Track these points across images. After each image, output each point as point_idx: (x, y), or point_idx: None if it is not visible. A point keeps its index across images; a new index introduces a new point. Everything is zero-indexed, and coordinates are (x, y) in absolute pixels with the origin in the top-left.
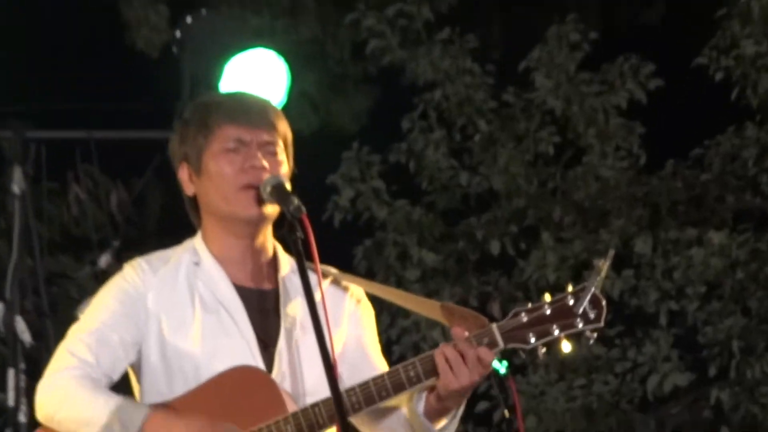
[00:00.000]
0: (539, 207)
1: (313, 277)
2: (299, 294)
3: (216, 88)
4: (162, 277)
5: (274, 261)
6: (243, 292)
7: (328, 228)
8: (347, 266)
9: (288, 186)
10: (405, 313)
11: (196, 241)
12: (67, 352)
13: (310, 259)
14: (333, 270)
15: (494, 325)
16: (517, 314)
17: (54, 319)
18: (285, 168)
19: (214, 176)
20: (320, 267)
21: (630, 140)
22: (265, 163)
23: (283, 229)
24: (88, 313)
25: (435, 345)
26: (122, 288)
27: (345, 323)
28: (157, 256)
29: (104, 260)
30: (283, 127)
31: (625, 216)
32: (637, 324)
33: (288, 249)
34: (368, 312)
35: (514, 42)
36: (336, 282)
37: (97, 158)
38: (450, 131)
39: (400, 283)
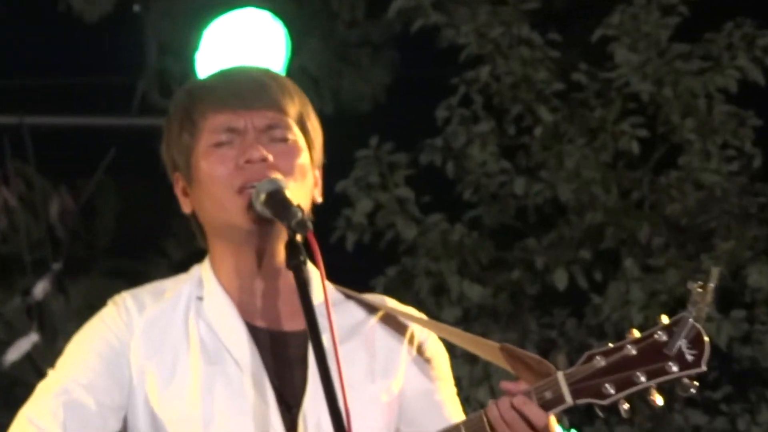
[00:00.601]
0: (620, 224)
1: (350, 310)
2: (337, 336)
3: (190, 60)
4: (151, 316)
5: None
6: (258, 334)
7: (338, 252)
8: None
9: (289, 191)
10: None
11: (203, 269)
12: (27, 420)
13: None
14: (387, 301)
15: (561, 374)
16: (591, 358)
17: None
18: (304, 158)
19: (205, 181)
20: (370, 298)
21: (741, 135)
22: (268, 155)
23: (285, 255)
24: (57, 368)
25: (480, 407)
26: (101, 335)
27: (401, 372)
28: (149, 290)
29: (40, 289)
30: (297, 104)
31: (735, 237)
32: (751, 384)
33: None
34: (440, 355)
35: (586, 3)
36: (390, 318)
37: (32, 152)
38: (501, 122)
39: None
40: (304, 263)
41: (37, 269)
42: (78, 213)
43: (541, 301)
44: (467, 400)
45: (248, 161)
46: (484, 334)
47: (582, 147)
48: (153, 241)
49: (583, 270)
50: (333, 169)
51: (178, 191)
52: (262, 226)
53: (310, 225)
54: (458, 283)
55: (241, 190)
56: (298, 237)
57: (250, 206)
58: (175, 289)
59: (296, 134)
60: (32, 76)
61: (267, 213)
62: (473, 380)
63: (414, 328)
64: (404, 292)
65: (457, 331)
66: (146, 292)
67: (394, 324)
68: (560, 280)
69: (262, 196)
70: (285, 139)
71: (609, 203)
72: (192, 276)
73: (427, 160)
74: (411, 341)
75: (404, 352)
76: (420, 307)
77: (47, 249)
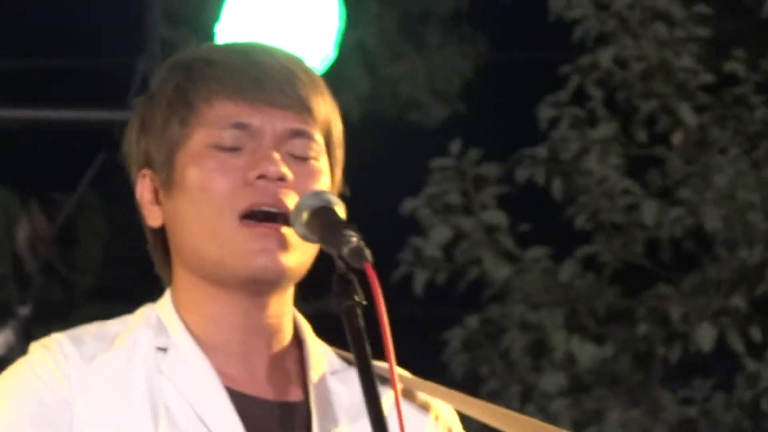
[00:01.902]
0: None
1: (383, 388)
2: (347, 412)
3: (207, 34)
4: (101, 371)
5: (298, 351)
6: (244, 404)
7: (401, 294)
8: (434, 365)
9: (341, 210)
10: None
11: (161, 310)
12: None
13: (377, 353)
14: (400, 371)
15: None
16: None
17: None
18: (324, 182)
19: (193, 194)
20: (382, 366)
21: None
22: (288, 172)
23: (332, 294)
24: None
25: None
26: (30, 389)
27: None
28: (92, 333)
29: (2, 341)
30: (327, 109)
31: None
32: None
33: (325, 331)
34: None
35: None
36: (408, 395)
37: None
38: (627, 125)
39: (529, 398)
40: (360, 306)
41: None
42: (54, 240)
43: (679, 368)
44: None
45: (262, 176)
46: (600, 412)
47: (737, 159)
48: (151, 278)
49: (735, 325)
50: (391, 181)
51: (143, 194)
52: (284, 272)
53: (368, 254)
54: (565, 341)
55: (245, 217)
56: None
57: (280, 239)
58: (128, 334)
59: (319, 150)
60: None
61: (311, 237)
62: None
63: (439, 407)
64: (489, 350)
65: (519, 417)
66: (88, 335)
67: (416, 402)
68: (705, 338)
69: (305, 215)
70: (305, 158)
71: None
72: (146, 318)
73: (525, 175)
74: (436, 423)
75: None
76: (511, 370)
77: (12, 288)
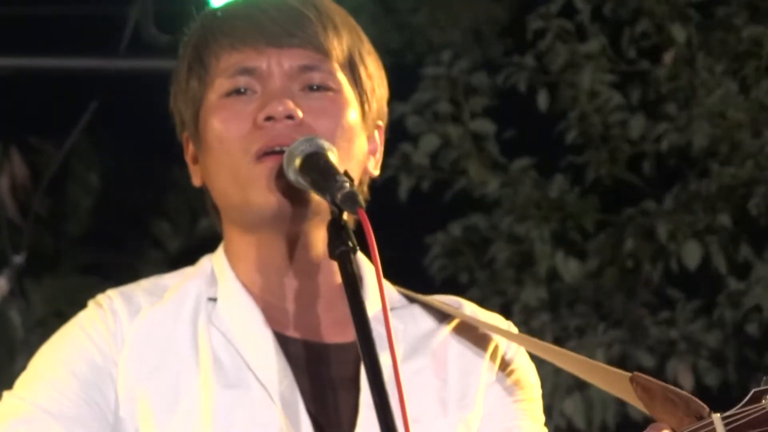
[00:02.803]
0: None
1: (418, 317)
2: (401, 349)
3: None
4: (148, 324)
5: None
6: (290, 346)
7: (386, 199)
8: (412, 272)
9: (333, 155)
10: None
11: (216, 261)
12: None
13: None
14: (465, 304)
15: (718, 417)
16: (758, 397)
17: None
18: (351, 115)
19: (214, 145)
20: (441, 301)
21: None
22: (296, 109)
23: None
24: (17, 391)
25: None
26: (78, 347)
27: (480, 401)
28: (144, 288)
29: None
30: (346, 42)
31: None
32: None
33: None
34: (526, 381)
35: None
36: (466, 328)
37: None
38: (617, 41)
39: (510, 311)
40: (353, 251)
41: None
42: (40, 187)
43: (664, 285)
44: (549, 411)
45: (269, 117)
46: (579, 329)
47: (726, 77)
48: (142, 226)
49: (721, 244)
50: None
51: (187, 157)
52: (294, 204)
53: (361, 200)
54: (549, 255)
55: (259, 157)
56: (345, 215)
57: (277, 176)
58: (179, 287)
59: (341, 82)
60: None
61: (303, 183)
62: (559, 387)
63: (498, 340)
64: (470, 258)
65: (564, 351)
66: (140, 290)
67: (473, 336)
68: (691, 255)
69: (297, 161)
70: (326, 87)
71: (761, 154)
72: (201, 270)
73: (512, 83)
74: (493, 358)
75: (484, 374)
76: (493, 283)
77: (3, 236)
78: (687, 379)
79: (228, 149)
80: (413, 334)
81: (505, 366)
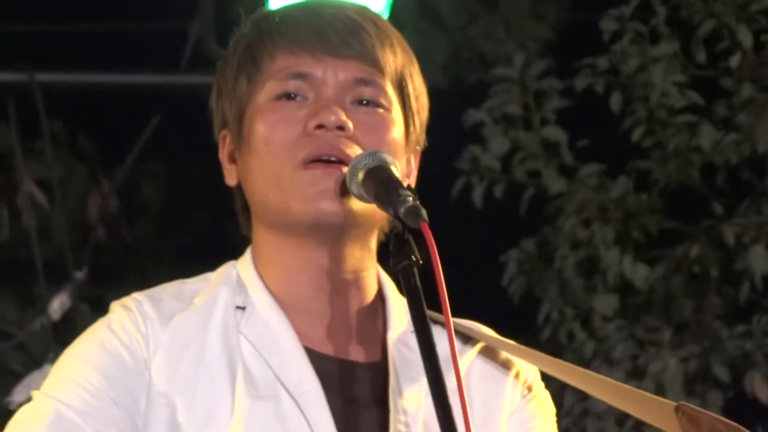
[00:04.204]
0: None
1: (441, 339)
2: (423, 372)
3: None
4: (180, 330)
5: (380, 310)
6: (320, 362)
7: (459, 211)
8: (491, 286)
9: (397, 170)
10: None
11: (242, 268)
12: None
13: (435, 305)
14: (483, 330)
15: None
16: None
17: None
18: (397, 133)
19: (259, 147)
20: (465, 325)
21: None
22: (348, 121)
23: (390, 254)
24: (45, 391)
25: None
26: (108, 348)
27: (503, 426)
28: (171, 293)
29: (57, 305)
30: (399, 59)
31: None
32: None
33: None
34: (544, 409)
35: None
36: (489, 352)
37: (45, 118)
38: (688, 44)
39: (587, 318)
40: (416, 265)
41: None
42: (119, 210)
43: (734, 297)
44: None
45: (320, 126)
46: (652, 343)
47: None
48: (213, 241)
49: None
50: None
51: (222, 156)
52: (343, 216)
53: (424, 213)
54: (617, 260)
55: (306, 164)
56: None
57: (341, 186)
58: (208, 293)
59: (391, 100)
60: (46, 22)
61: (366, 197)
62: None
63: (520, 366)
64: (544, 273)
65: (599, 378)
66: (167, 295)
67: (496, 360)
68: (759, 261)
69: (360, 175)
70: (376, 103)
71: None
72: (226, 277)
73: (585, 85)
74: (516, 384)
75: (507, 399)
76: (564, 290)
77: (66, 253)
78: (764, 392)
79: (274, 152)
80: (439, 356)
81: (527, 392)
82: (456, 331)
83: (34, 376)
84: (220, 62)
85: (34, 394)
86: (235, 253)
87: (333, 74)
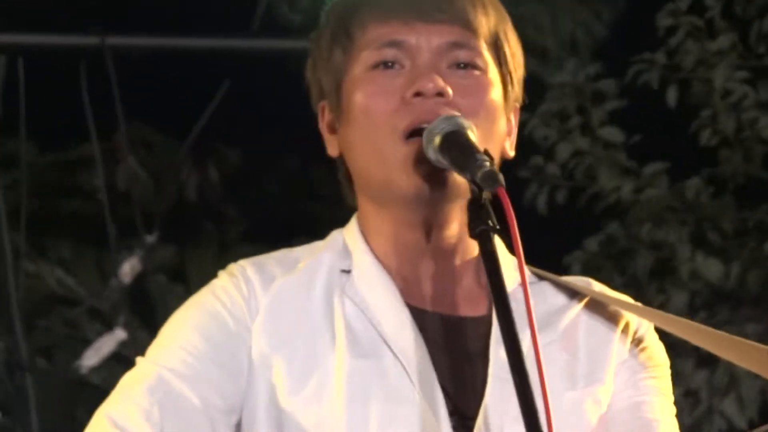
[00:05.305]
0: None
1: (543, 294)
2: (527, 327)
3: None
4: (281, 293)
5: (482, 267)
6: (424, 319)
7: (525, 218)
8: None
9: (473, 133)
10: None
11: (348, 234)
12: (109, 422)
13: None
14: (594, 284)
15: None
16: None
17: (43, 375)
18: (496, 94)
19: (359, 119)
20: (571, 280)
21: None
22: (447, 86)
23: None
24: (150, 356)
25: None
26: (211, 313)
27: (610, 377)
28: (277, 259)
29: (128, 269)
30: (493, 19)
31: None
32: None
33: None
34: (657, 359)
35: None
36: (596, 306)
37: (116, 82)
38: (745, 37)
39: None
40: (494, 230)
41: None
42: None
43: None
44: (709, 413)
45: (418, 93)
46: (726, 325)
47: None
48: (282, 220)
49: None
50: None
51: (322, 127)
52: (435, 185)
53: (501, 178)
54: (689, 258)
55: (407, 135)
56: (485, 194)
57: (420, 158)
58: (312, 258)
59: (487, 61)
60: None
61: (443, 162)
62: (714, 389)
63: (629, 318)
64: (613, 270)
65: (699, 326)
66: (272, 260)
67: (603, 314)
68: None
69: (437, 140)
70: (473, 66)
71: None
72: (333, 243)
73: (641, 80)
74: (624, 335)
75: (616, 350)
76: (638, 292)
77: (137, 218)
78: None
79: (374, 123)
80: (543, 310)
81: (636, 343)
82: (562, 286)
83: (105, 340)
84: (313, 34)
85: (138, 360)
86: (313, 227)
87: (426, 40)
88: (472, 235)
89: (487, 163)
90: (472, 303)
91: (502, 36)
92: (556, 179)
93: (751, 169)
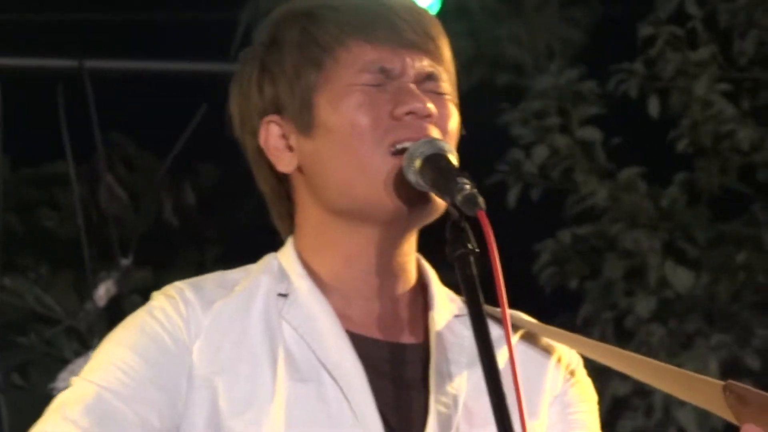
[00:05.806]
0: None
1: (494, 328)
2: (468, 355)
3: None
4: (221, 314)
5: (420, 295)
6: (364, 346)
7: (497, 208)
8: (520, 280)
9: (454, 157)
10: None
11: (284, 258)
12: None
13: (490, 298)
14: (524, 317)
15: None
16: None
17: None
18: (456, 122)
19: (342, 130)
20: (507, 311)
21: None
22: (433, 107)
23: (446, 242)
24: (86, 376)
25: None
26: (149, 334)
27: (544, 411)
28: (213, 280)
29: (103, 292)
30: (448, 52)
31: None
32: None
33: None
34: (587, 394)
35: None
36: (530, 338)
37: (93, 103)
38: (727, 48)
39: (620, 326)
40: (473, 254)
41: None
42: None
43: None
44: (662, 427)
45: (410, 113)
46: (693, 338)
47: None
48: (260, 236)
49: None
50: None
51: (267, 141)
52: (413, 207)
53: (481, 202)
54: (659, 267)
55: (393, 150)
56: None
57: (397, 179)
58: (249, 281)
59: (451, 89)
60: (96, 10)
61: (422, 184)
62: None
63: (561, 351)
64: (580, 266)
65: (650, 362)
66: (210, 282)
67: (537, 347)
68: None
69: (417, 162)
70: (443, 93)
71: None
72: (267, 267)
73: (623, 90)
74: (557, 368)
75: (549, 384)
76: (605, 295)
77: (113, 241)
78: None
79: (360, 135)
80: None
81: (569, 377)
82: (495, 318)
83: (79, 362)
84: (259, 47)
85: (74, 380)
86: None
87: (411, 67)
88: (451, 259)
89: (468, 187)
90: (410, 329)
91: (452, 65)
92: (532, 177)
93: (726, 181)
